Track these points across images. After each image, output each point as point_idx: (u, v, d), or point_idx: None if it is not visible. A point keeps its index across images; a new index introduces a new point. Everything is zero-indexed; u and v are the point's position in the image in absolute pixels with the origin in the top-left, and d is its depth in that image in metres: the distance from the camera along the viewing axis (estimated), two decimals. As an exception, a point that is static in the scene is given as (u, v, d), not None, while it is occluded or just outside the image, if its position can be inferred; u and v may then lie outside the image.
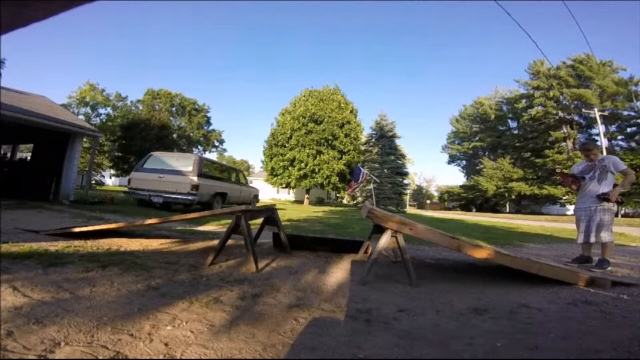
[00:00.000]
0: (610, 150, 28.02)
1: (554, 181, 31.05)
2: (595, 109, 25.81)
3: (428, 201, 57.83)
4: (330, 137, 24.02)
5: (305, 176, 23.93)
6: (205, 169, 8.75)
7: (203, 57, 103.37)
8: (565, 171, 4.33)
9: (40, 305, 1.63)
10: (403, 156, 30.10)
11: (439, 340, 1.48)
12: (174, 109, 32.52)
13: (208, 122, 35.15)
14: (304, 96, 26.22)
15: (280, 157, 24.49)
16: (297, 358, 1.28)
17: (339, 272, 2.82)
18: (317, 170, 23.68)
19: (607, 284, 2.43)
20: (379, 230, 2.90)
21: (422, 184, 70.03)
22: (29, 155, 13.81)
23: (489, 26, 75.30)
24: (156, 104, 31.17)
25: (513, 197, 36.88)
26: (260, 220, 3.61)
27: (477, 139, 44.10)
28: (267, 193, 31.69)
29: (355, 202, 32.36)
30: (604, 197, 3.40)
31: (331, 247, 3.68)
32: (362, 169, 16.39)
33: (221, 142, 37.12)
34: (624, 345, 1.43)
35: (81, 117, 23.44)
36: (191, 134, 33.30)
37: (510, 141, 39.05)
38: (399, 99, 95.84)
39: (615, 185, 3.49)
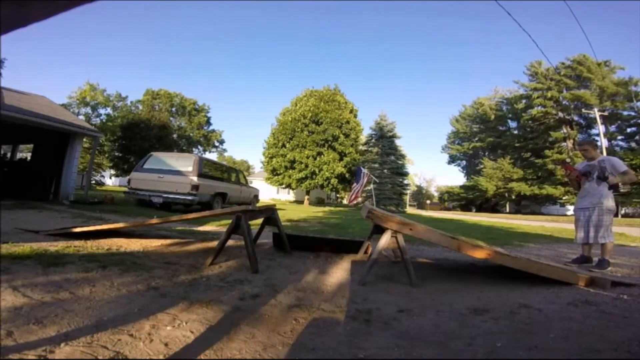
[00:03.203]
0: (610, 151, 28.00)
1: (554, 181, 31.04)
2: (595, 109, 25.82)
3: (428, 201, 57.83)
4: (330, 139, 24.02)
5: (305, 178, 23.93)
6: (205, 169, 8.75)
7: (203, 57, 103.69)
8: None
9: (40, 305, 1.63)
10: (403, 156, 30.13)
11: (439, 340, 1.48)
12: (174, 109, 32.48)
13: (208, 122, 35.13)
14: (305, 96, 26.22)
15: (281, 157, 24.46)
16: (297, 358, 1.28)
17: (339, 272, 2.82)
18: (317, 172, 23.68)
19: (607, 284, 2.43)
20: (379, 230, 2.90)
21: (422, 184, 70.07)
22: (29, 155, 13.80)
23: (489, 25, 75.37)
24: (156, 104, 31.12)
25: (513, 197, 36.89)
26: (260, 220, 3.61)
27: (477, 139, 44.10)
28: (267, 193, 31.71)
29: (355, 202, 32.35)
30: (609, 186, 3.38)
31: (331, 247, 3.68)
32: (363, 169, 16.39)
33: (221, 142, 37.10)
34: (624, 345, 1.43)
35: (81, 117, 23.41)
36: (191, 134, 33.27)
37: (510, 141, 39.06)
38: (399, 99, 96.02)
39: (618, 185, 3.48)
